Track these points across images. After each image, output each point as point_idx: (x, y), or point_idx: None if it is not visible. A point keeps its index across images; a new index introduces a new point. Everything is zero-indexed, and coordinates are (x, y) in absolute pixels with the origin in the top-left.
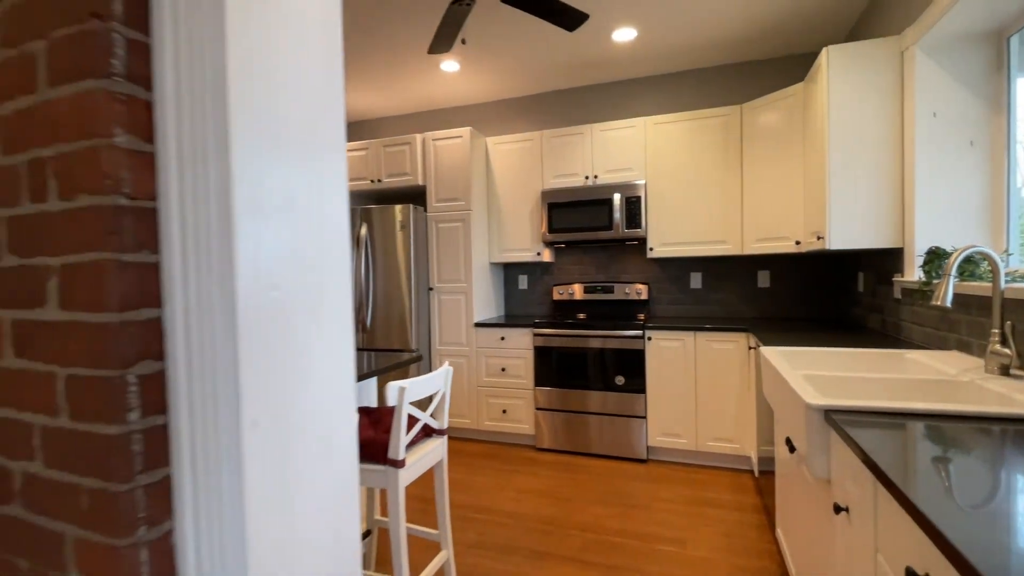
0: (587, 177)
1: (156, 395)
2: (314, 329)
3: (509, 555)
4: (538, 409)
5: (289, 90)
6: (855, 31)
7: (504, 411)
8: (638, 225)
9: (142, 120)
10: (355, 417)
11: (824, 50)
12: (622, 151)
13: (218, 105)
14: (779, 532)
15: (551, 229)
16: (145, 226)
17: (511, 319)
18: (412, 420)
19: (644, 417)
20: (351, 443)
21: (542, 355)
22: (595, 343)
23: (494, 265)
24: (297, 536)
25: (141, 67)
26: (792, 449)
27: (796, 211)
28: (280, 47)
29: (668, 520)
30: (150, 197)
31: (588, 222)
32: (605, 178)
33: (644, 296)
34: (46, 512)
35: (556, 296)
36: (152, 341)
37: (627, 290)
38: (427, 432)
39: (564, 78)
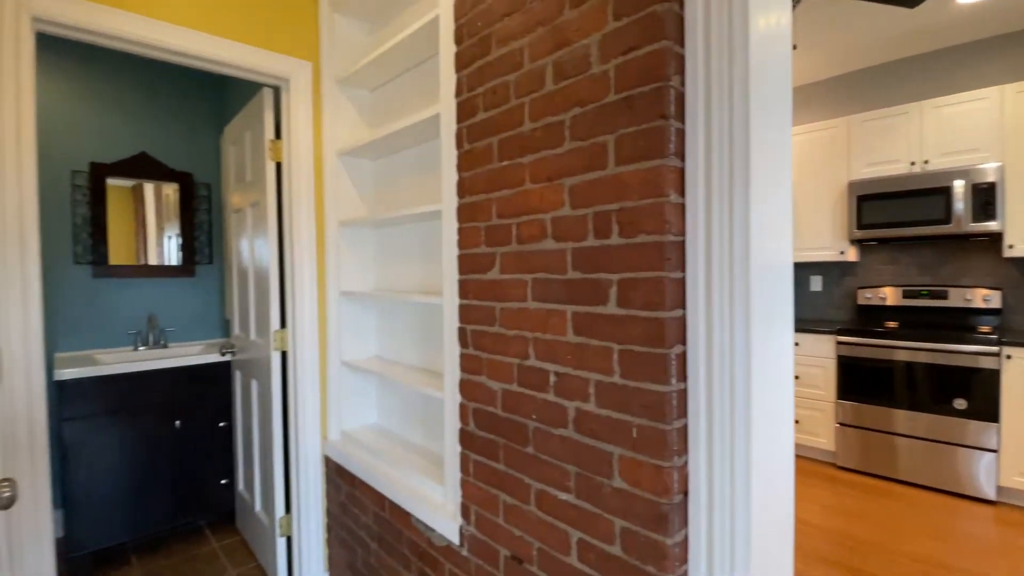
0: (913, 163)
1: (681, 368)
2: (781, 322)
3: (827, 566)
4: (840, 424)
5: (768, 148)
6: None
7: (797, 421)
8: (991, 217)
9: (679, 182)
10: (791, 389)
11: None
12: (965, 129)
13: (740, 169)
14: None
15: (860, 225)
16: (679, 253)
17: (802, 323)
18: None
19: (995, 451)
20: (791, 412)
21: (847, 366)
22: (921, 357)
23: None
24: (772, 466)
25: (680, 146)
26: None
27: None
28: (767, 130)
29: None
30: (681, 233)
31: (914, 215)
32: (939, 163)
33: (994, 304)
34: (595, 436)
35: (861, 300)
36: (680, 331)
37: (967, 296)
38: None
39: (878, 53)
